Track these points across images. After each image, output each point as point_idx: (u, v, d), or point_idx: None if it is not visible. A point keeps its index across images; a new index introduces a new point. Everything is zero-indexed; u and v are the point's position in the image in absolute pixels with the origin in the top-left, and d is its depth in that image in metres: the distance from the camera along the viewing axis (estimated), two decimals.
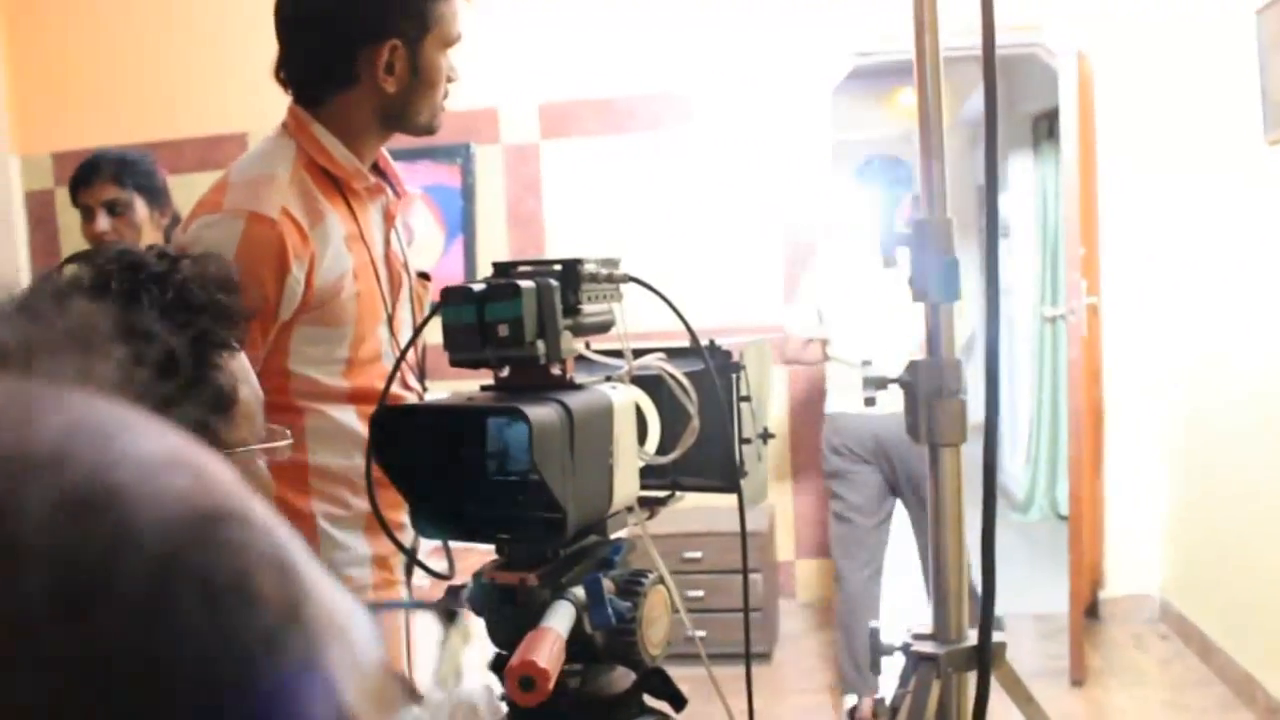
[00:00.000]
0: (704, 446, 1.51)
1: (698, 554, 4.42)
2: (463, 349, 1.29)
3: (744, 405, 1.55)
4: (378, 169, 1.95)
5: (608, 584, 1.30)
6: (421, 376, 1.96)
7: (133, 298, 0.98)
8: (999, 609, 1.65)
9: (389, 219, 1.94)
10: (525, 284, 1.27)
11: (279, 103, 1.90)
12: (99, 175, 3.10)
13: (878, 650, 1.64)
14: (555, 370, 1.34)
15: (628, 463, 1.35)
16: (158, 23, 4.82)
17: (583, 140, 4.76)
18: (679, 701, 1.46)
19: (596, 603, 1.21)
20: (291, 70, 1.86)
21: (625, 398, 1.35)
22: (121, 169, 3.11)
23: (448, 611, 0.58)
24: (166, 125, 4.71)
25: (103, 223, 3.08)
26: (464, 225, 4.86)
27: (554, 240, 4.82)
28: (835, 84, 4.67)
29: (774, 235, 4.75)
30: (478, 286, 1.27)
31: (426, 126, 1.90)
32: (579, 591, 1.22)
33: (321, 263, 1.75)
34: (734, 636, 4.26)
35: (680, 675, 4.42)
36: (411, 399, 1.85)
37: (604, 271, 1.37)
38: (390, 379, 1.48)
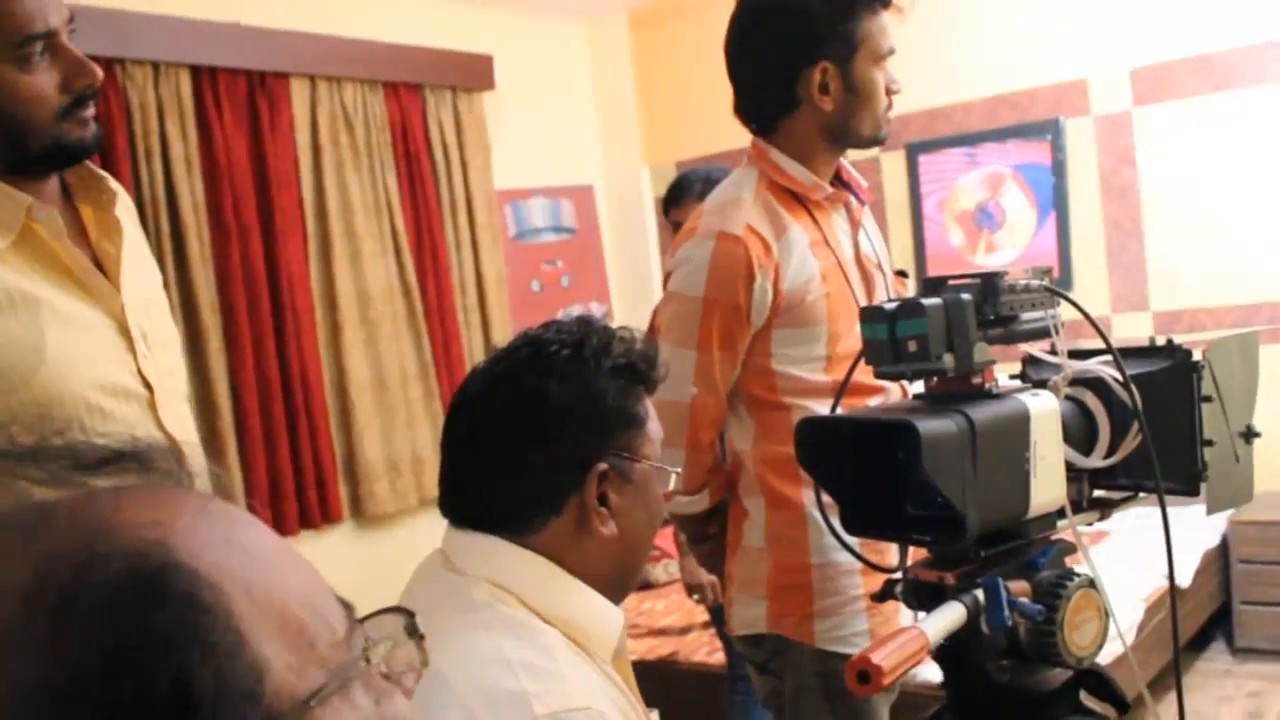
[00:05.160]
0: (1162, 448, 1.49)
1: None
2: (880, 362, 1.39)
3: (1206, 405, 1.50)
4: (841, 180, 2.07)
5: (1021, 586, 1.35)
6: None
7: (601, 351, 1.33)
8: None
9: (854, 224, 2.06)
10: (932, 302, 1.34)
11: None
12: (687, 195, 3.44)
13: None
14: (976, 380, 1.40)
15: (1049, 468, 1.37)
16: None
17: (1179, 103, 4.47)
18: (1121, 705, 1.46)
19: (994, 604, 1.27)
20: (743, 105, 2.04)
21: (1045, 405, 1.37)
22: (707, 188, 3.43)
23: None
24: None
25: None
26: (1056, 202, 4.76)
27: (1151, 211, 4.58)
28: None
29: None
30: (890, 305, 1.37)
31: (871, 138, 2.01)
32: (979, 593, 1.28)
33: (787, 269, 1.92)
34: None
35: None
36: (891, 392, 1.96)
37: (1023, 283, 1.39)
38: (846, 379, 1.60)
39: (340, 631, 0.58)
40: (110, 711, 0.47)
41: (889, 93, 2.00)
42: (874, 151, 5.08)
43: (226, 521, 0.57)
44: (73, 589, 0.49)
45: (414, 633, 0.63)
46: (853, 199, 2.08)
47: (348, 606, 0.60)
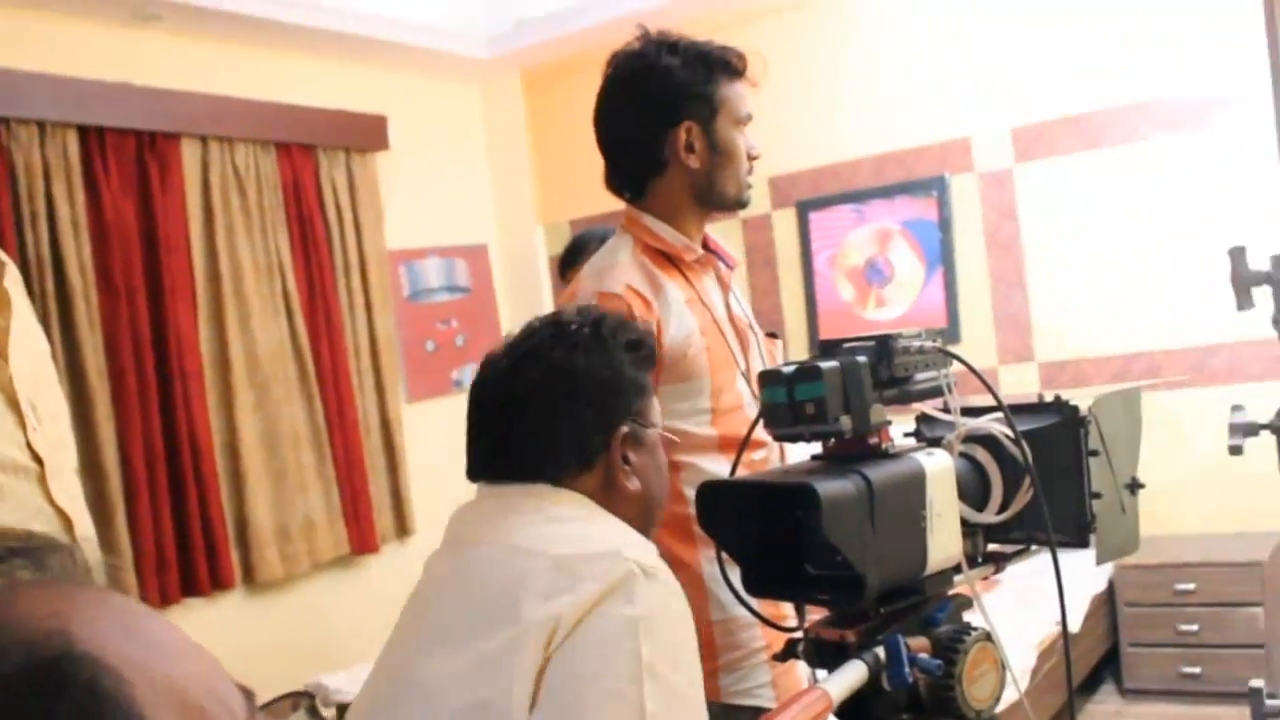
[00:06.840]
0: (1052, 501, 1.53)
1: (1190, 586, 4.14)
2: (779, 425, 1.41)
3: (1093, 459, 1.54)
4: (707, 248, 2.14)
5: (921, 642, 1.38)
6: None
7: (616, 329, 1.54)
8: None
9: (724, 286, 2.13)
10: (828, 364, 1.37)
11: None
12: (584, 255, 3.45)
13: (1258, 713, 1.57)
14: (873, 440, 1.43)
15: (945, 525, 1.40)
16: None
17: (1057, 160, 4.64)
18: None
19: (895, 662, 1.29)
20: (614, 173, 2.11)
21: (940, 464, 1.41)
22: None
23: None
24: None
25: None
26: (943, 256, 4.89)
27: (1034, 264, 4.72)
28: None
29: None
30: (788, 369, 1.39)
31: (736, 199, 2.10)
32: (880, 651, 1.31)
33: (668, 324, 1.97)
34: (1235, 673, 3.97)
35: (1175, 714, 4.22)
36: (769, 451, 2.00)
37: (917, 345, 1.43)
38: (745, 440, 1.62)
39: (241, 716, 0.58)
40: None
41: (750, 158, 2.10)
42: (765, 209, 5.19)
43: (125, 612, 0.57)
44: None
45: (314, 715, 0.63)
46: (721, 265, 2.14)
47: (248, 693, 0.61)
